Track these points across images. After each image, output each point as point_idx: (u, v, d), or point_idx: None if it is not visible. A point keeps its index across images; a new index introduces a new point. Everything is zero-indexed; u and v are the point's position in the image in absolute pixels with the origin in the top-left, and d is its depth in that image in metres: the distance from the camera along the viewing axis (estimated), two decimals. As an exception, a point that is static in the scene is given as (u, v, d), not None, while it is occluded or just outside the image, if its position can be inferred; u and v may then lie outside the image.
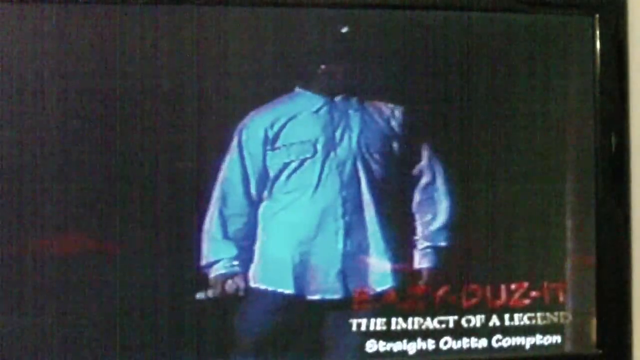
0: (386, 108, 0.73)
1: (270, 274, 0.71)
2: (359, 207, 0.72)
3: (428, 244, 0.73)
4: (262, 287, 0.71)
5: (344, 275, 0.71)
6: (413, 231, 0.73)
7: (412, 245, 0.73)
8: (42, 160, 0.67)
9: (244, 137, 0.70)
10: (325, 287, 0.71)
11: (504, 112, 0.74)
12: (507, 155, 0.74)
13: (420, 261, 0.73)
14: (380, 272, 0.72)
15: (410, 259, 0.73)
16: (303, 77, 0.71)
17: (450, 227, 0.73)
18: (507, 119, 0.74)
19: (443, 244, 0.73)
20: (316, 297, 0.71)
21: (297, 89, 0.71)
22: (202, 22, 0.70)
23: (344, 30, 0.71)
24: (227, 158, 0.70)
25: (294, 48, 0.71)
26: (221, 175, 0.70)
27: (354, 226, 0.72)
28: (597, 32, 0.76)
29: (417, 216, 0.73)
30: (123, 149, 0.68)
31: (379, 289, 0.72)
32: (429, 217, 0.73)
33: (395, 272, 0.72)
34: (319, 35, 0.71)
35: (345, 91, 0.72)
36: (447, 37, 0.73)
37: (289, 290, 0.71)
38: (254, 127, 0.71)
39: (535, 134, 0.75)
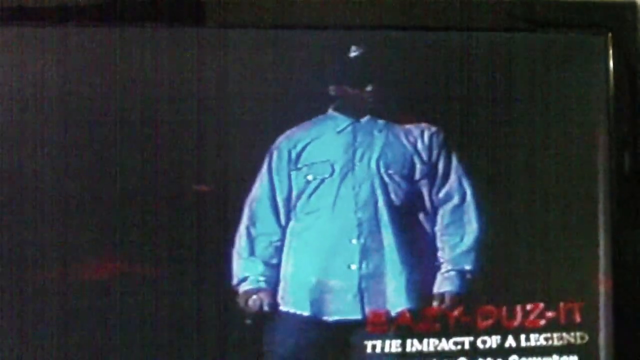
0: (416, 129, 0.73)
1: (290, 295, 0.71)
2: (376, 229, 0.72)
3: (452, 267, 0.72)
4: (284, 308, 0.71)
5: (361, 296, 0.71)
6: (435, 254, 0.73)
7: (434, 268, 0.72)
8: (67, 187, 0.68)
9: (274, 158, 0.71)
10: (343, 309, 0.71)
11: (524, 133, 0.74)
12: (529, 176, 0.74)
13: (442, 285, 0.72)
14: (397, 294, 0.72)
15: (430, 282, 0.72)
16: (335, 100, 0.72)
17: (477, 250, 0.73)
18: (528, 139, 0.74)
19: (468, 267, 0.73)
20: (332, 318, 0.71)
21: (330, 111, 0.72)
22: (235, 44, 0.70)
23: (353, 53, 0.72)
24: (258, 178, 0.71)
25: (325, 70, 0.72)
26: (251, 195, 0.70)
27: (370, 248, 0.71)
28: (610, 51, 0.76)
29: (442, 239, 0.73)
30: (155, 168, 0.69)
31: (394, 311, 0.72)
32: (455, 240, 0.73)
33: (412, 294, 0.72)
34: (346, 57, 0.72)
35: (372, 113, 0.73)
36: (465, 58, 0.73)
37: (306, 312, 0.71)
38: (283, 147, 0.71)
39: (545, 155, 0.75)
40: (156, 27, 0.69)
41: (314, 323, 0.71)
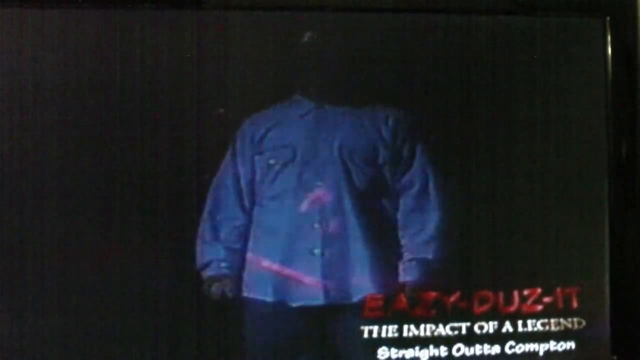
0: (381, 114, 0.72)
1: (253, 281, 0.71)
2: (339, 214, 0.71)
3: (413, 256, 0.72)
4: (248, 295, 0.71)
5: (323, 283, 0.71)
6: (398, 242, 0.72)
7: (397, 255, 0.72)
8: (41, 167, 0.68)
9: (238, 143, 0.71)
10: (306, 294, 0.71)
11: (507, 118, 0.74)
12: (515, 159, 0.74)
13: (404, 274, 0.72)
14: (360, 279, 0.71)
15: (393, 268, 0.72)
16: (301, 84, 0.71)
17: (439, 239, 0.72)
18: (511, 125, 0.74)
19: (429, 256, 0.72)
20: (296, 304, 0.71)
21: (296, 96, 0.72)
22: (204, 26, 0.70)
23: (306, 38, 0.71)
24: (222, 162, 0.71)
25: (292, 54, 0.71)
26: (215, 179, 0.70)
27: (333, 233, 0.71)
28: (608, 35, 0.75)
29: (404, 226, 0.72)
30: (123, 154, 0.69)
31: (357, 298, 0.71)
32: (417, 228, 0.72)
33: (376, 280, 0.72)
34: (312, 40, 0.71)
35: (337, 97, 0.72)
36: (450, 41, 0.73)
37: (269, 298, 0.71)
38: (247, 131, 0.71)
39: (541, 139, 0.74)
40: (130, 9, 0.69)
41: (278, 309, 0.71)
